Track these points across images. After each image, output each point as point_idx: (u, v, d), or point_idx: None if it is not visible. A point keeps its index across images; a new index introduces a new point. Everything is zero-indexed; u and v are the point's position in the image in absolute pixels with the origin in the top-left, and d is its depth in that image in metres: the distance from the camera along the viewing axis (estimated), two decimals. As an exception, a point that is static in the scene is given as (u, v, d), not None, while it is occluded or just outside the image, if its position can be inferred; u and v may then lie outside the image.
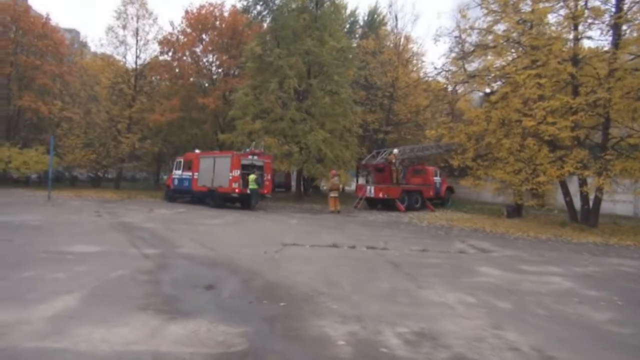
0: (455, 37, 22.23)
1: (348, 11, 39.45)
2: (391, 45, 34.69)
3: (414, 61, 33.52)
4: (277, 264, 8.20)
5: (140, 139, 30.87)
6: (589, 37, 17.83)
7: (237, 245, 10.35)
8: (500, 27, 19.48)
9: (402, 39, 33.10)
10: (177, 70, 32.16)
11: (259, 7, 28.97)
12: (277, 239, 11.65)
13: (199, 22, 31.52)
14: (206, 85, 32.04)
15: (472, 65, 21.34)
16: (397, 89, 32.28)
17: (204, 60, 32.39)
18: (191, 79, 31.65)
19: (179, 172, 24.92)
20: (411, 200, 25.92)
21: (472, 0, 19.98)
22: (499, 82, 18.98)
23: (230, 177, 21.46)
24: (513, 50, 17.52)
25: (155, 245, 9.85)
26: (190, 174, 24.02)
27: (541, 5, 18.22)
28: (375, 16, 40.41)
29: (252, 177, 21.20)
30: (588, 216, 17.10)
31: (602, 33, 17.21)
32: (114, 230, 12.06)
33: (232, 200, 22.53)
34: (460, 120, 20.27)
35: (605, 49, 16.91)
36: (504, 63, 17.08)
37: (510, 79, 16.47)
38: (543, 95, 15.56)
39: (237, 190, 21.45)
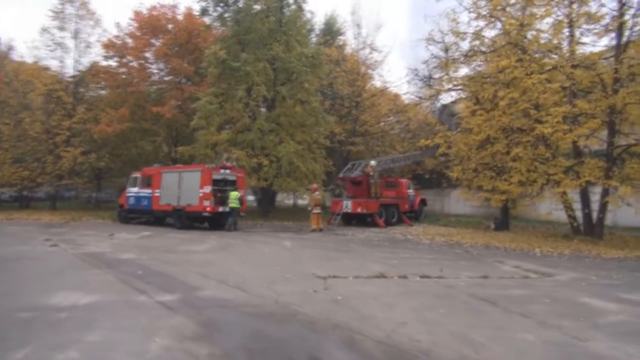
0: (439, 42, 21.33)
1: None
2: (354, 53, 33.44)
3: (379, 70, 32.42)
4: (353, 310, 6.22)
5: (83, 153, 27.26)
6: (583, 43, 17.41)
7: (264, 280, 8.21)
8: (490, 33, 18.82)
9: (367, 48, 31.94)
10: (124, 76, 28.94)
11: (219, 9, 26.72)
12: (298, 268, 9.67)
13: (149, 24, 28.60)
14: (159, 93, 29.02)
15: (459, 72, 20.52)
16: (364, 98, 31.02)
17: (156, 65, 29.41)
18: (141, 86, 28.53)
19: (135, 189, 21.93)
20: (388, 214, 24.55)
21: (459, 5, 19.17)
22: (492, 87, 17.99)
23: (201, 194, 18.96)
24: (515, 54, 16.52)
25: (163, 286, 7.51)
26: (149, 191, 21.15)
27: (536, 10, 17.71)
28: (333, 24, 39.17)
29: (234, 194, 18.88)
30: (593, 228, 16.36)
31: (599, 37, 16.78)
32: (90, 266, 9.48)
33: (201, 220, 20.01)
34: (440, 130, 18.99)
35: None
36: (507, 67, 16.00)
37: (516, 82, 15.49)
38: (555, 101, 14.68)
39: (208, 209, 18.97)
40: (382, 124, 32.56)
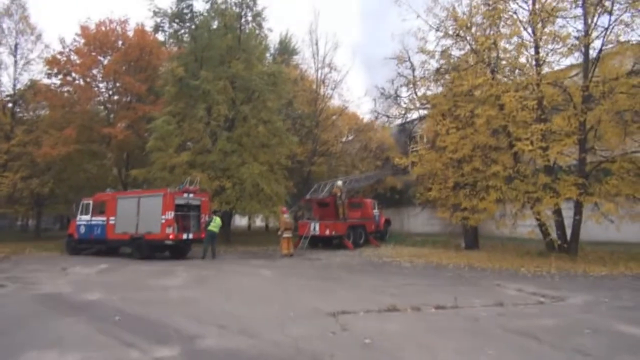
0: (399, 60, 21.23)
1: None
2: (312, 73, 33.01)
3: (338, 89, 32.08)
4: (392, 357, 5.37)
5: (23, 178, 24.87)
6: (548, 62, 17.67)
7: (267, 321, 7.20)
8: (457, 52, 18.85)
9: (326, 67, 31.57)
10: (68, 95, 26.93)
11: (175, 25, 25.47)
12: (296, 303, 8.73)
13: (97, 40, 26.89)
14: (108, 113, 27.18)
15: (428, 91, 20.43)
16: (324, 118, 30.52)
17: (105, 84, 27.59)
18: (88, 106, 26.61)
19: (86, 217, 20.01)
20: (355, 235, 23.92)
21: (425, 23, 19.13)
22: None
23: (163, 221, 17.50)
24: (485, 73, 16.49)
25: (154, 336, 6.34)
26: (103, 218, 19.37)
27: (502, 29, 17.89)
28: (289, 44, 38.75)
29: (218, 220, 17.70)
30: (569, 244, 16.36)
31: (565, 57, 17.06)
32: (55, 312, 8.07)
33: (163, 249, 18.50)
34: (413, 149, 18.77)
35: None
36: (483, 84, 15.90)
37: (491, 100, 15.40)
38: (532, 119, 14.65)
39: (171, 237, 17.52)
40: (342, 143, 32.16)
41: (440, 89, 19.42)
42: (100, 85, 27.68)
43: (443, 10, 18.65)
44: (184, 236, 18.09)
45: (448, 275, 13.10)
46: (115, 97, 28.35)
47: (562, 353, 5.52)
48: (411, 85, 19.48)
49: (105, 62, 27.35)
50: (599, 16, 15.75)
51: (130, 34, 27.97)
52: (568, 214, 16.57)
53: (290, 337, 6.22)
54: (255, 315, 7.73)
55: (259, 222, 37.80)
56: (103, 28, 27.14)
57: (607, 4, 15.41)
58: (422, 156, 17.88)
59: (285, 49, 37.95)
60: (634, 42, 15.36)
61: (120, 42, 27.96)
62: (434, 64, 19.37)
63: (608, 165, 15.14)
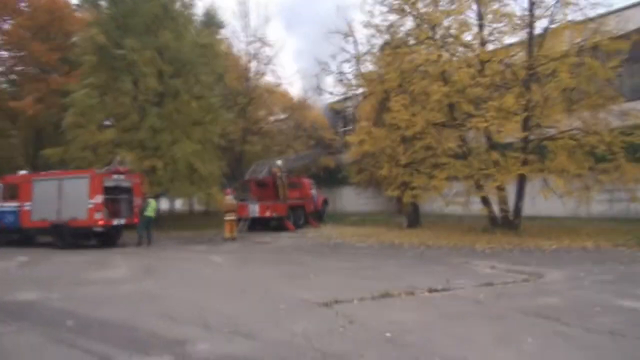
0: (346, 35, 20.65)
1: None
2: (243, 47, 31.32)
3: (272, 65, 30.67)
4: (430, 352, 4.72)
5: None
6: (492, 41, 17.82)
7: (256, 315, 6.29)
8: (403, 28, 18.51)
9: (257, 42, 30.04)
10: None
11: (92, -13, 22.81)
12: (275, 293, 7.89)
13: (-2, 1, 23.46)
14: (12, 85, 23.91)
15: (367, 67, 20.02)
16: (258, 95, 29.18)
17: (9, 53, 24.20)
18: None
19: (-6, 203, 17.44)
20: (295, 217, 23.23)
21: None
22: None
23: (91, 206, 15.61)
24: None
25: (131, 345, 5.19)
26: (16, 204, 16.92)
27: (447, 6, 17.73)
28: (214, 16, 36.47)
29: (154, 203, 15.98)
30: (512, 220, 16.77)
31: (507, 35, 17.25)
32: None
33: (90, 236, 16.59)
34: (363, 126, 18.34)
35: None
36: (435, 60, 15.63)
37: (446, 75, 15.23)
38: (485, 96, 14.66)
39: (100, 223, 15.70)
40: (277, 122, 31.08)
41: (384, 66, 19.04)
42: (2, 53, 24.24)
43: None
44: (115, 222, 16.32)
45: (409, 254, 12.81)
46: (20, 68, 25.03)
47: (599, 335, 5.17)
48: (359, 61, 18.89)
49: (7, 27, 24.00)
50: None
51: (37, -6, 24.69)
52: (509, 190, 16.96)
53: (297, 334, 5.36)
54: (239, 310, 6.76)
55: (197, 205, 35.75)
56: (3, -13, 23.68)
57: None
58: (370, 133, 17.37)
59: (212, 22, 35.69)
60: (574, 22, 15.74)
61: (23, 4, 24.61)
62: (379, 40, 19.00)
63: (550, 143, 15.56)
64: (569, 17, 15.52)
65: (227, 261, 12.25)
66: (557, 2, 15.73)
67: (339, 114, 33.66)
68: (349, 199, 31.98)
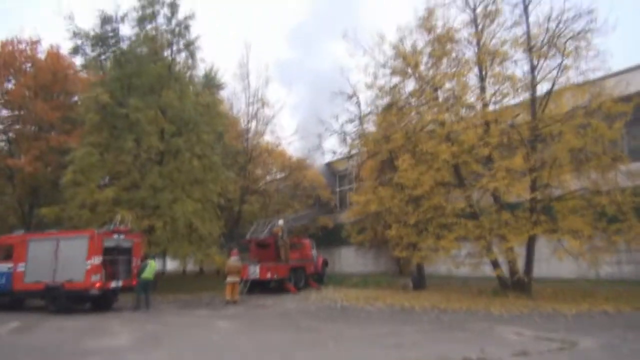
0: (350, 96, 20.97)
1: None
2: (243, 107, 31.75)
3: (271, 125, 30.98)
4: None
5: None
6: (495, 103, 18.09)
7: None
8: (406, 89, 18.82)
9: (258, 103, 30.48)
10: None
11: (97, 49, 23.15)
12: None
13: (2, 60, 23.66)
14: (9, 142, 23.68)
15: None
16: (257, 154, 29.22)
17: (9, 111, 24.14)
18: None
19: (-15, 264, 16.66)
20: (296, 278, 22.53)
21: (372, 59, 19.03)
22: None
23: (88, 267, 14.96)
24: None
25: None
26: (9, 265, 16.17)
27: (449, 69, 18.11)
28: (213, 77, 37.21)
29: (154, 264, 15.37)
30: (523, 282, 16.31)
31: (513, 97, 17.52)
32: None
33: (85, 299, 15.82)
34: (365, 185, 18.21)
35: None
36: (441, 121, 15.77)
37: (454, 136, 15.28)
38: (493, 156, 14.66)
39: (97, 286, 14.98)
40: (276, 181, 30.98)
41: (388, 126, 19.17)
42: (2, 112, 24.20)
43: (391, 47, 18.72)
44: (113, 284, 15.62)
45: (425, 319, 12.22)
46: (17, 127, 24.90)
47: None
48: (358, 121, 19.06)
49: (10, 86, 24.14)
50: (544, 60, 16.42)
51: (42, 56, 25.03)
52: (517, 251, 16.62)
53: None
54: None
55: (190, 265, 34.78)
56: (10, 48, 23.98)
57: (547, 50, 16.13)
58: (376, 192, 17.19)
59: (212, 83, 36.35)
60: (576, 84, 16.06)
61: (28, 65, 24.90)
62: (382, 100, 19.24)
63: (559, 204, 15.42)
64: (571, 80, 15.89)
65: (234, 327, 11.57)
66: (558, 66, 16.19)
67: (336, 173, 33.73)
68: (348, 259, 31.35)
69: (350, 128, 20.70)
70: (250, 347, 8.90)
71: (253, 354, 8.32)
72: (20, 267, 16.01)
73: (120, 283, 15.98)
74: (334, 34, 65.64)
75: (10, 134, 24.90)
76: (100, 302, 16.02)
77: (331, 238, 31.33)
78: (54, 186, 21.90)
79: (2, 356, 8.38)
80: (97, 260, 15.08)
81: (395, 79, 18.74)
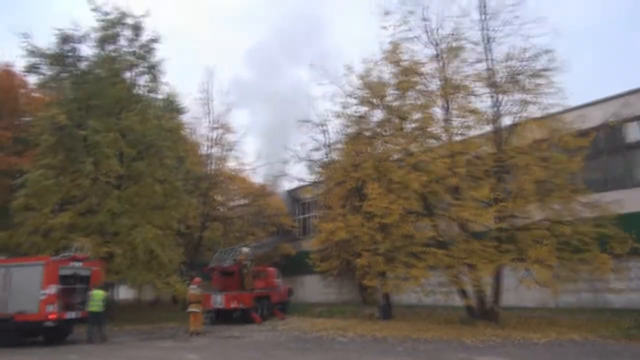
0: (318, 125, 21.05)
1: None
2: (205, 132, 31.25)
3: (234, 151, 30.59)
4: None
5: None
6: (460, 134, 18.58)
7: None
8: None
9: (220, 129, 30.08)
10: None
11: (54, 68, 22.26)
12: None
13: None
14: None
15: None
16: (220, 180, 28.69)
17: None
18: None
19: None
20: (261, 308, 21.88)
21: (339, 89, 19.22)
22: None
23: (43, 297, 13.95)
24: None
25: None
26: (-50, 295, 14.91)
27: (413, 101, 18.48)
28: (173, 102, 36.53)
29: (101, 293, 14.38)
30: (489, 311, 16.51)
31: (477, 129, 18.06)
32: None
33: (38, 332, 14.71)
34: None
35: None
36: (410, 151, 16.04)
37: (421, 165, 15.53)
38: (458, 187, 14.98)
39: (52, 317, 13.97)
40: (239, 207, 30.41)
41: (356, 155, 19.31)
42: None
43: (358, 78, 18.97)
44: (68, 315, 14.62)
45: (400, 349, 12.06)
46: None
47: None
48: (329, 149, 19.13)
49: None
50: (506, 95, 17.07)
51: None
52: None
53: None
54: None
55: (145, 294, 33.27)
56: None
57: (510, 86, 16.81)
58: (345, 220, 17.13)
59: (172, 107, 35.64)
60: (537, 118, 16.74)
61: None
62: (351, 129, 19.40)
63: (524, 233, 15.83)
64: (533, 114, 16.56)
65: (205, 361, 11.03)
66: (519, 101, 16.88)
67: (298, 200, 33.52)
68: (312, 288, 30.92)
69: (318, 156, 20.68)
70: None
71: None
72: (-36, 298, 14.75)
73: (77, 314, 14.96)
74: (300, 57, 65.93)
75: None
76: (53, 335, 14.94)
77: (294, 266, 30.87)
78: (1, 210, 20.55)
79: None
80: (53, 289, 14.11)
81: (363, 109, 19.02)
